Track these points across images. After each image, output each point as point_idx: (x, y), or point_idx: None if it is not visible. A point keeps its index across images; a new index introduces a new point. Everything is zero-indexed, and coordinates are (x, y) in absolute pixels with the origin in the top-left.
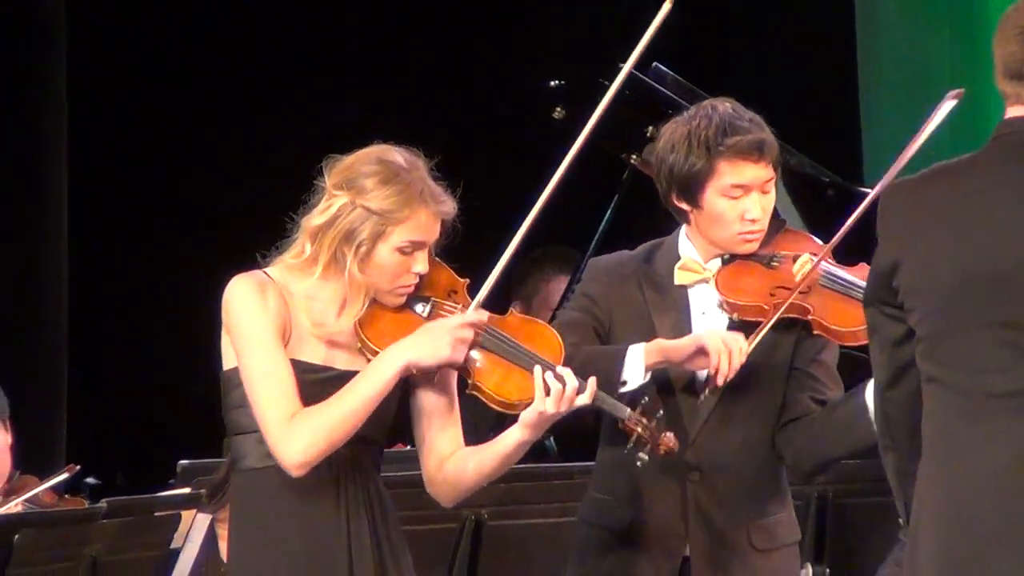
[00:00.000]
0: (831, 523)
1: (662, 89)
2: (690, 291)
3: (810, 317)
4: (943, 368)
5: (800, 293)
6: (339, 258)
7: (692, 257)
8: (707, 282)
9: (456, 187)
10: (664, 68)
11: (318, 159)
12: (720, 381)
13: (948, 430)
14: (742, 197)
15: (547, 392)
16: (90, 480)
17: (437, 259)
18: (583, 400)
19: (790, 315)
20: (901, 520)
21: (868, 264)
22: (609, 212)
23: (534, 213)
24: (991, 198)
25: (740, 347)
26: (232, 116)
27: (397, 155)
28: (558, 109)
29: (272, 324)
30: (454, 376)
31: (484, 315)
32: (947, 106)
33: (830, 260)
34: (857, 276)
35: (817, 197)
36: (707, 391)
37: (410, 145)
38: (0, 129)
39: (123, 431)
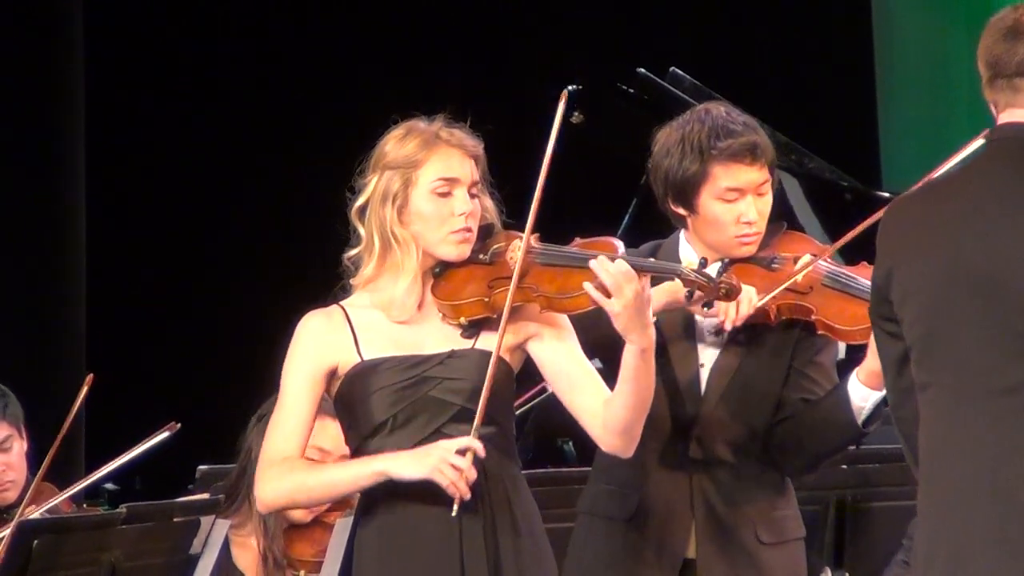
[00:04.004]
0: (850, 527)
1: (680, 93)
2: None
3: (813, 317)
4: (933, 373)
5: (802, 293)
6: (385, 226)
7: (692, 261)
8: None
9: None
10: (682, 73)
11: (331, 165)
12: (728, 327)
13: (938, 433)
14: (737, 200)
15: (615, 275)
16: (109, 486)
17: (510, 230)
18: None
19: (793, 316)
20: None
21: (870, 264)
22: (627, 217)
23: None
24: (978, 203)
25: (749, 297)
26: (247, 123)
27: (414, 120)
28: (576, 114)
29: (313, 364)
30: (572, 335)
31: (479, 445)
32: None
33: (830, 260)
34: (859, 275)
35: (835, 202)
36: (713, 334)
37: None
38: (18, 140)
39: (141, 436)
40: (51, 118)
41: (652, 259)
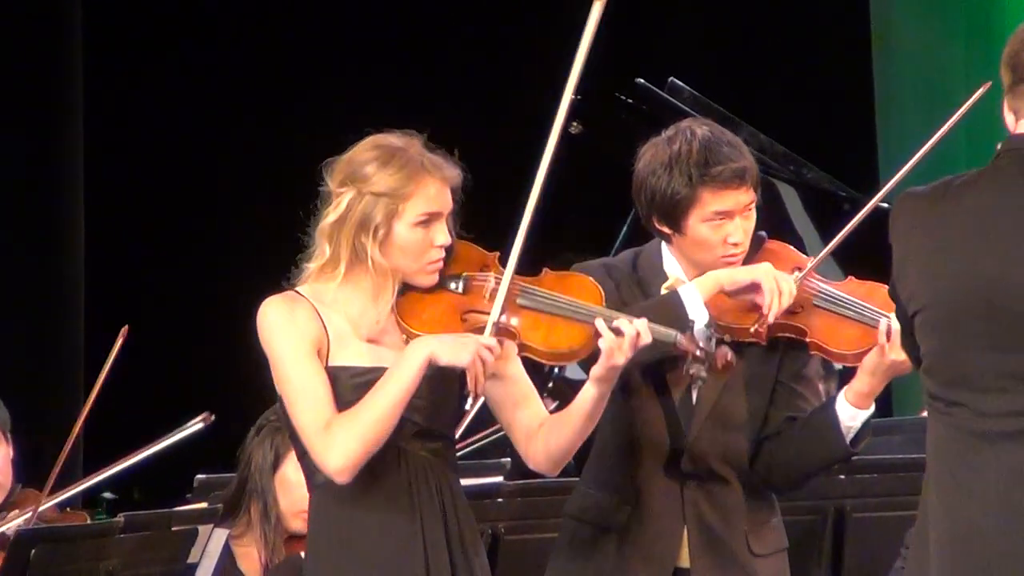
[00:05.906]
0: (848, 537)
1: (679, 104)
2: None
3: (808, 339)
4: (945, 389)
5: (794, 313)
6: (359, 250)
7: (678, 276)
8: None
9: (474, 201)
10: (680, 83)
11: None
12: (771, 318)
13: (948, 450)
14: (725, 223)
15: (611, 343)
16: (107, 495)
17: (463, 240)
18: (645, 340)
19: (787, 335)
20: None
21: (856, 278)
22: (625, 228)
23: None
24: (994, 219)
25: (790, 288)
26: (247, 123)
27: (391, 137)
28: (575, 124)
29: (303, 339)
30: (516, 353)
31: (496, 346)
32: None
33: (817, 276)
34: (845, 292)
35: (834, 212)
36: (756, 325)
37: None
38: (16, 143)
39: (140, 445)
40: (50, 119)
41: (654, 326)
